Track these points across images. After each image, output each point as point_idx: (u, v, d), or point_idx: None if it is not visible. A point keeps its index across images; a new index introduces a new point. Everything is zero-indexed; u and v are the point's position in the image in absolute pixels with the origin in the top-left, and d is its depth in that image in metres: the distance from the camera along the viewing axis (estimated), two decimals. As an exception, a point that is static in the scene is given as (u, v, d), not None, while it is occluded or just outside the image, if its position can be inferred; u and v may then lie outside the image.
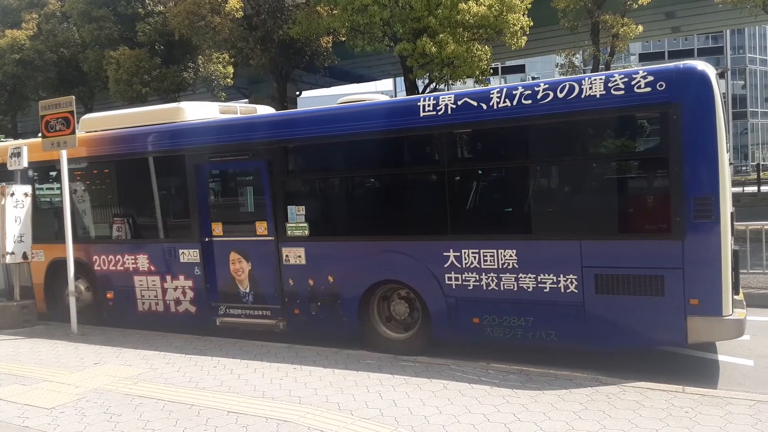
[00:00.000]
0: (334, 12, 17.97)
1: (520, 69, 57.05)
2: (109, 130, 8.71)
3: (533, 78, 43.53)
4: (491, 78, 21.80)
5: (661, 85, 5.49)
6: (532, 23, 16.92)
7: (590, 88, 5.77)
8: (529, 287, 6.12)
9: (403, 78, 21.61)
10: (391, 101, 7.50)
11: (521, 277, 6.14)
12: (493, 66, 23.38)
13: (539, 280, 6.06)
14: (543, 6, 18.05)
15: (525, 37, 17.10)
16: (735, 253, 5.69)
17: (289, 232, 7.33)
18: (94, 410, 5.27)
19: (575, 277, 5.90)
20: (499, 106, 6.17)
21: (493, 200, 6.88)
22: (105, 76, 23.42)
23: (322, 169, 7.68)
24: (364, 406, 5.07)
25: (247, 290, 7.81)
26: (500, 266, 6.22)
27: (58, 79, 25.68)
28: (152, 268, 8.32)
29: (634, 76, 5.62)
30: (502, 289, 6.23)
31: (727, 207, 5.41)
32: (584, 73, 27.50)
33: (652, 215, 5.89)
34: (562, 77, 6.24)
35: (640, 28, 18.73)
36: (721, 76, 6.14)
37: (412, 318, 6.95)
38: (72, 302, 8.30)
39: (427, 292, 6.63)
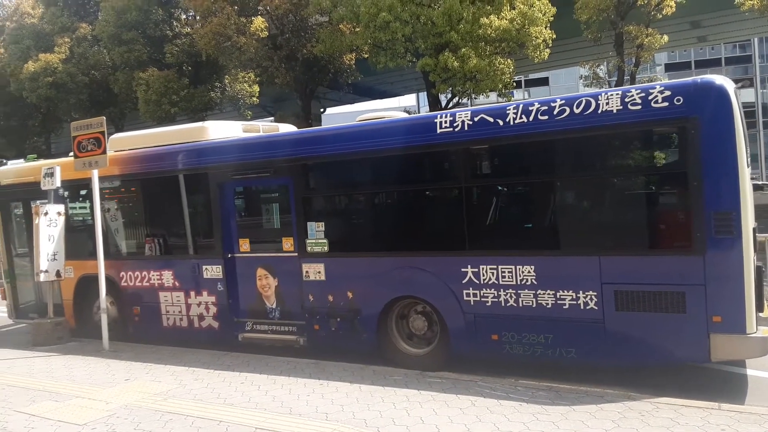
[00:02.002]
0: (357, 29, 18.17)
1: (544, 82, 56.78)
2: (135, 149, 8.93)
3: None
4: (514, 91, 21.74)
5: (678, 100, 5.45)
6: (554, 36, 16.87)
7: (607, 104, 5.77)
8: (548, 304, 6.07)
9: (426, 93, 21.69)
10: (407, 118, 7.52)
11: (540, 294, 6.10)
12: (517, 79, 23.32)
13: (558, 296, 6.02)
14: (565, 18, 17.99)
15: (548, 50, 17.04)
16: (758, 269, 5.58)
17: (309, 249, 7.41)
18: (124, 426, 5.33)
19: (594, 293, 5.85)
20: (516, 122, 6.20)
21: (510, 216, 6.86)
22: (135, 97, 23.97)
23: (340, 186, 7.74)
24: (391, 422, 5.04)
25: (274, 306, 7.90)
26: (518, 282, 6.19)
27: (89, 101, 26.35)
28: (177, 284, 8.47)
29: (651, 90, 5.60)
30: (520, 305, 6.19)
31: (748, 222, 5.33)
32: (609, 84, 27.31)
33: (672, 231, 5.80)
34: (579, 93, 6.35)
35: (666, 38, 18.53)
36: (741, 88, 5.97)
37: (431, 334, 6.94)
38: (103, 319, 8.44)
39: (446, 309, 6.63)
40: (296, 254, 7.51)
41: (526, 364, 6.39)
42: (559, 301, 6.02)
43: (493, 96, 19.53)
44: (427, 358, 6.86)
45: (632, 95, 5.66)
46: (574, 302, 5.94)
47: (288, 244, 7.63)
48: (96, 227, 8.46)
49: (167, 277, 8.53)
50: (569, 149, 6.21)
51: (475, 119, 6.40)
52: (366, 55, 19.98)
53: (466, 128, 6.44)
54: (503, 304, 6.28)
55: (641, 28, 18.19)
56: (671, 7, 17.84)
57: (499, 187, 6.85)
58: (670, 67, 58.68)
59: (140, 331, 8.89)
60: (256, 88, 23.57)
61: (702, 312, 5.42)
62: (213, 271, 8.14)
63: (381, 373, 6.52)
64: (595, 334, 5.87)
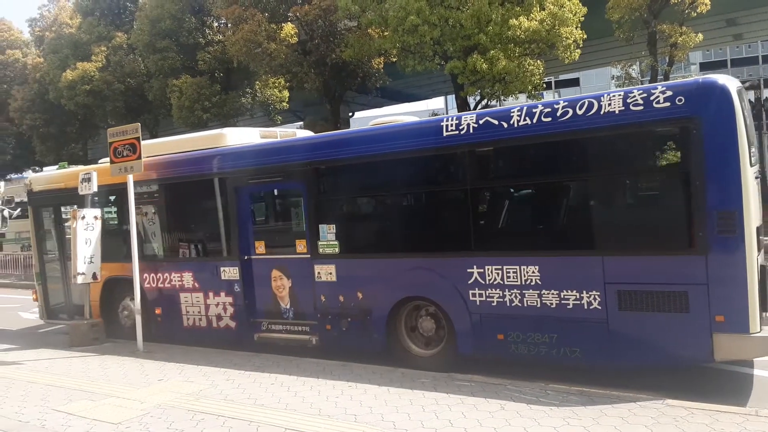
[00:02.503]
0: (385, 33, 18.22)
1: (575, 83, 56.07)
2: (157, 156, 9.22)
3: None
4: (544, 93, 21.52)
5: (680, 100, 5.48)
6: (585, 36, 16.63)
7: (609, 105, 5.82)
8: (552, 304, 6.11)
9: (454, 96, 21.63)
10: (415, 122, 7.62)
11: (544, 294, 6.15)
12: (546, 80, 23.09)
13: (562, 296, 6.06)
14: (596, 18, 17.73)
15: (578, 50, 16.81)
16: (763, 269, 5.53)
17: (320, 250, 7.58)
18: (157, 426, 5.44)
19: (598, 293, 5.88)
20: (520, 124, 6.28)
21: (515, 217, 6.88)
22: (168, 104, 24.46)
23: (350, 189, 7.93)
24: (420, 426, 5.03)
25: (288, 306, 8.10)
26: (523, 282, 6.26)
27: (125, 108, 26.97)
28: (196, 285, 8.74)
29: (653, 91, 5.64)
30: (525, 305, 6.25)
31: (751, 221, 5.31)
32: (642, 84, 26.80)
33: (675, 231, 5.77)
34: (582, 95, 6.38)
35: (700, 36, 18.10)
36: (750, 88, 5.92)
37: (438, 334, 7.01)
38: (138, 320, 8.63)
39: (452, 309, 6.72)
40: (309, 256, 7.70)
41: (554, 368, 6.32)
42: (563, 301, 6.06)
43: (522, 98, 19.36)
44: (435, 359, 6.95)
45: (634, 96, 5.70)
46: (578, 302, 5.98)
47: (301, 246, 7.83)
48: (131, 231, 8.67)
49: (187, 278, 8.81)
50: (572, 150, 6.28)
51: (480, 122, 6.51)
52: (394, 59, 20.03)
53: (471, 131, 6.55)
54: (508, 304, 6.35)
55: (675, 26, 17.80)
56: (706, 4, 17.42)
57: (504, 189, 6.96)
58: (705, 66, 57.28)
59: (162, 331, 9.16)
60: (286, 93, 23.83)
61: (705, 311, 5.42)
62: (230, 273, 8.39)
63: (409, 375, 6.52)
64: (599, 333, 5.90)
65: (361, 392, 6.02)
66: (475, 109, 20.91)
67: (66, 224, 10.61)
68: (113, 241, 9.56)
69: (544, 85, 19.38)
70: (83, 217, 8.97)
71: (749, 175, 5.36)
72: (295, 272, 7.94)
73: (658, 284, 5.62)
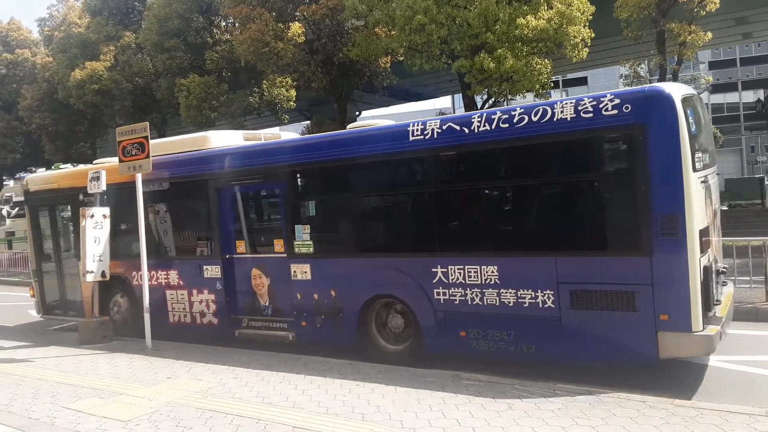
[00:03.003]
0: (393, 33, 18.22)
1: (583, 81, 55.80)
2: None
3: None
4: (552, 92, 21.45)
5: (627, 108, 5.72)
6: (593, 35, 16.58)
7: (561, 112, 6.08)
8: (509, 302, 6.41)
9: (461, 95, 21.61)
10: (383, 126, 7.76)
11: (503, 293, 6.45)
12: (554, 79, 23.01)
13: (519, 295, 6.35)
14: (604, 17, 17.65)
15: (586, 49, 16.76)
16: (706, 270, 5.71)
17: (296, 250, 7.92)
18: (166, 423, 5.47)
19: (552, 292, 6.16)
20: (480, 130, 6.54)
21: (475, 219, 7.09)
22: (176, 103, 24.56)
23: (323, 191, 8.21)
24: (428, 425, 5.03)
25: (267, 304, 8.45)
26: (483, 282, 6.55)
27: (133, 107, 27.10)
28: (181, 283, 9.10)
29: (602, 99, 5.88)
30: (485, 303, 6.54)
31: (694, 224, 5.54)
32: (650, 83, 26.68)
33: (622, 233, 5.99)
34: (538, 102, 6.82)
35: (709, 35, 17.99)
36: (703, 92, 6.14)
37: (406, 331, 7.30)
38: (147, 319, 8.66)
39: (418, 307, 7.02)
40: (285, 255, 8.02)
41: (561, 368, 6.32)
42: (519, 300, 6.35)
43: (530, 96, 19.30)
44: (403, 354, 7.24)
45: (584, 104, 5.97)
46: (534, 300, 6.26)
47: (278, 245, 8.16)
48: (140, 230, 8.71)
49: (173, 276, 9.12)
50: (528, 156, 6.50)
51: (444, 127, 6.79)
52: (401, 58, 20.04)
53: (435, 136, 6.83)
54: (470, 302, 6.63)
55: (684, 25, 17.70)
56: (715, 3, 17.32)
57: (465, 192, 7.14)
58: (714, 65, 56.92)
59: (150, 327, 9.10)
60: (293, 92, 23.86)
61: (650, 311, 5.66)
62: (213, 271, 8.74)
63: (416, 374, 6.52)
64: (553, 331, 6.19)
65: (368, 391, 6.02)
66: (482, 108, 20.89)
67: (61, 222, 11.12)
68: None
69: (552, 84, 19.31)
70: (92, 216, 9.02)
71: (692, 180, 5.58)
72: (273, 271, 8.25)
73: (607, 284, 5.88)
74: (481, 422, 5.02)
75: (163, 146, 9.64)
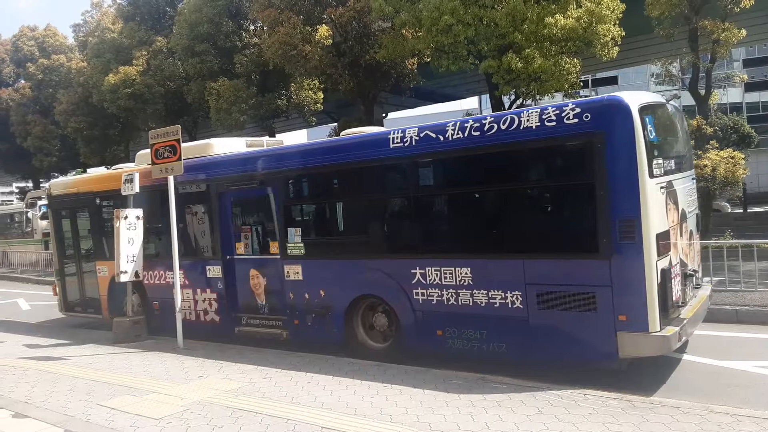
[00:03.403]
0: (419, 34, 18.18)
1: (613, 81, 54.85)
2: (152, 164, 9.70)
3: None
4: (581, 91, 21.17)
5: (587, 117, 5.98)
6: (623, 33, 16.30)
7: (527, 120, 6.36)
8: (482, 302, 6.71)
9: (488, 95, 21.46)
10: (367, 134, 8.11)
11: (475, 293, 6.75)
12: (583, 79, 22.72)
13: (490, 296, 6.66)
14: (635, 15, 17.34)
15: (617, 48, 16.48)
16: (664, 272, 5.91)
17: (289, 251, 8.33)
18: (197, 422, 5.56)
19: (520, 293, 6.45)
20: (453, 137, 6.84)
21: (450, 222, 7.46)
22: (207, 106, 24.89)
23: (312, 195, 8.68)
24: (456, 428, 5.01)
25: (264, 303, 8.88)
26: (458, 283, 6.86)
27: (165, 111, 27.57)
28: (186, 282, 9.49)
29: (564, 108, 6.14)
30: (460, 303, 6.85)
31: (650, 229, 5.75)
32: (682, 82, 26.16)
33: (584, 237, 6.24)
34: (508, 111, 6.94)
35: (743, 32, 17.51)
36: (671, 99, 7.00)
37: (390, 329, 7.63)
38: (178, 319, 8.83)
39: (399, 306, 7.37)
40: (279, 256, 8.43)
41: (590, 370, 6.23)
42: (491, 300, 6.65)
43: (558, 96, 19.08)
44: (386, 352, 7.57)
45: (548, 113, 6.23)
46: (504, 301, 6.57)
47: (274, 247, 8.57)
48: (172, 231, 8.88)
49: (179, 276, 9.33)
50: (497, 162, 6.81)
51: (421, 135, 7.10)
52: (428, 59, 19.97)
53: (413, 143, 7.15)
54: (446, 303, 6.95)
55: (717, 22, 17.29)
56: (750, -1, 16.87)
57: (441, 197, 7.51)
58: (748, 63, 55.37)
59: (159, 323, 9.91)
60: (321, 94, 24.00)
61: (610, 311, 5.90)
62: (214, 271, 9.25)
63: (443, 377, 6.50)
64: (522, 330, 6.46)
65: (396, 392, 6.03)
66: (509, 108, 20.71)
67: (80, 225, 11.74)
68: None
69: (581, 84, 19.05)
70: (126, 217, 9.21)
71: (649, 187, 5.79)
72: (268, 271, 8.66)
73: (570, 285, 6.14)
74: (510, 426, 4.98)
75: None
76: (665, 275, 5.93)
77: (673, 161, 6.67)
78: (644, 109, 6.03)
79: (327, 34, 20.72)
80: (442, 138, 6.95)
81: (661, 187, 6.14)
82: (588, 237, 6.14)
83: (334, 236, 8.49)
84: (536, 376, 6.26)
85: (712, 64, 19.29)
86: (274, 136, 27.88)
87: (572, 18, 15.63)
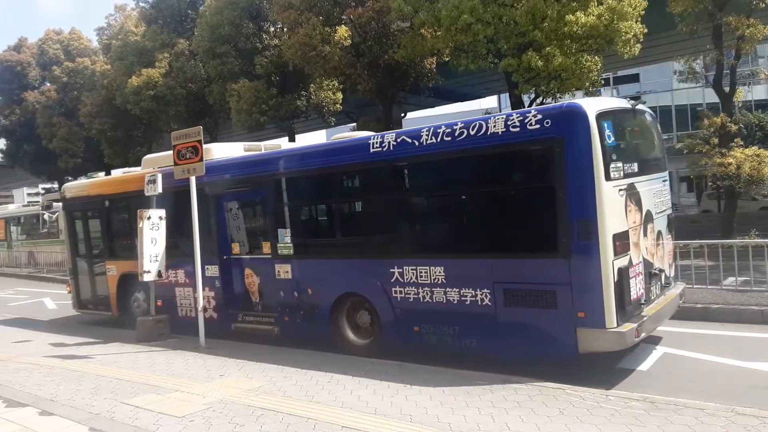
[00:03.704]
0: (438, 33, 18.14)
1: (635, 78, 54.06)
2: (160, 167, 10.40)
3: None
4: (602, 89, 20.94)
5: (547, 123, 6.27)
6: (646, 30, 16.08)
7: (494, 126, 6.67)
8: (454, 300, 7.03)
9: (508, 94, 21.33)
10: (349, 140, 8.48)
11: (448, 291, 7.07)
12: (605, 76, 22.45)
13: (462, 293, 6.97)
14: (658, 11, 17.09)
15: (639, 45, 16.26)
16: (621, 271, 6.14)
17: (279, 252, 8.73)
18: (219, 420, 5.62)
19: (488, 291, 6.77)
20: (427, 142, 7.15)
21: (425, 223, 7.84)
22: (228, 108, 25.12)
23: (300, 198, 9.03)
24: (477, 428, 5.00)
25: (258, 300, 9.29)
26: (432, 281, 7.18)
27: (187, 112, 27.85)
28: (187, 281, 10.00)
29: (527, 115, 6.47)
30: (434, 301, 7.18)
31: (606, 229, 6.00)
32: (706, 79, 25.73)
33: (546, 237, 6.49)
34: (477, 117, 7.07)
35: (770, 28, 17.19)
36: (636, 105, 7.31)
37: (371, 327, 7.95)
38: (200, 318, 8.92)
39: (380, 304, 7.70)
40: (271, 256, 8.81)
41: (613, 372, 6.15)
42: (462, 298, 6.97)
43: (579, 95, 18.89)
44: (369, 347, 7.91)
45: (513, 119, 6.54)
46: (474, 298, 6.89)
47: (266, 247, 8.96)
48: (194, 231, 9.00)
49: (180, 275, 10.01)
50: (467, 166, 7.11)
51: (398, 140, 7.40)
52: (447, 59, 19.92)
53: (391, 148, 7.45)
54: (421, 300, 7.26)
55: (742, 18, 16.96)
56: (776, -6, 16.52)
57: (417, 199, 7.88)
58: (776, 59, 54.25)
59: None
60: (340, 95, 24.08)
61: (570, 308, 6.17)
62: (212, 271, 9.65)
63: (464, 377, 6.49)
64: (490, 326, 6.79)
65: (416, 392, 6.03)
66: (530, 107, 20.56)
67: (91, 226, 12.34)
68: (127, 242, 11.15)
69: (602, 82, 18.83)
70: (149, 218, 9.34)
71: (605, 189, 6.05)
72: (262, 270, 9.03)
73: (533, 284, 6.46)
74: (531, 427, 4.95)
75: (165, 159, 10.57)
76: (622, 274, 6.17)
77: (636, 164, 6.88)
78: (602, 115, 6.28)
79: (346, 35, 20.77)
80: (417, 143, 7.24)
81: (620, 190, 6.37)
82: (549, 238, 6.39)
83: (320, 237, 8.93)
84: (559, 378, 6.22)
85: (737, 61, 18.94)
86: (294, 137, 28.09)
87: (593, 15, 15.47)
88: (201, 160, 8.92)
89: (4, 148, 42.77)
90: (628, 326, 6.13)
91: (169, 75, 27.16)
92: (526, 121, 6.42)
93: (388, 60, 21.06)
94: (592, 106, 6.29)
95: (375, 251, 7.87)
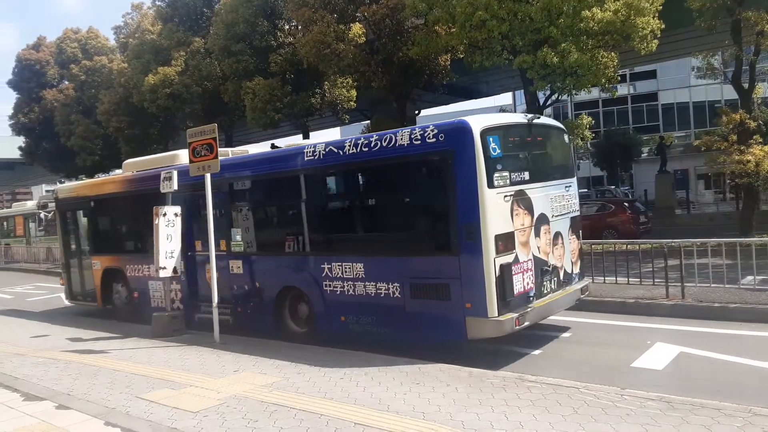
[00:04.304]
0: (452, 30, 18.08)
1: (652, 75, 53.45)
2: (137, 171, 11.78)
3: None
4: (619, 86, 20.73)
5: (441, 137, 7.16)
6: (663, 26, 15.89)
7: (401, 139, 7.50)
8: (372, 293, 7.85)
9: (523, 91, 21.19)
10: (286, 149, 9.64)
11: (367, 285, 7.90)
12: (621, 73, 22.20)
13: (377, 287, 7.80)
14: (675, 7, 16.86)
15: (656, 41, 16.07)
16: (503, 267, 6.95)
17: (232, 249, 9.69)
18: (233, 416, 5.65)
19: (399, 285, 7.59)
20: (349, 152, 7.99)
21: (348, 225, 8.72)
22: (243, 105, 25.23)
23: (247, 200, 9.96)
24: (490, 426, 4.98)
25: (216, 293, 9.63)
26: (355, 276, 8.00)
27: (203, 110, 28.01)
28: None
29: (427, 129, 7.31)
30: (356, 294, 7.99)
31: (488, 231, 6.82)
32: (725, 75, 25.37)
33: (442, 238, 7.38)
34: (390, 131, 7.91)
35: (790, 23, 16.88)
36: (533, 119, 8.00)
37: (309, 317, 8.76)
38: (215, 315, 8.99)
39: (313, 296, 8.57)
40: (226, 253, 9.68)
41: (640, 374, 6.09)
42: (378, 291, 7.79)
43: (595, 91, 18.73)
44: (306, 335, 8.74)
45: (416, 133, 7.39)
46: (387, 291, 7.71)
47: (223, 245, 9.75)
48: (209, 228, 9.07)
49: (152, 270, 10.44)
50: (380, 175, 8.12)
51: (327, 150, 8.24)
52: (461, 56, 19.86)
53: (321, 157, 8.29)
54: (347, 293, 8.06)
55: (761, 14, 16.70)
56: (798, -12, 16.24)
57: (341, 203, 8.88)
58: (797, 54, 53.27)
59: (138, 311, 11.28)
60: (354, 92, 24.08)
61: (460, 299, 7.04)
62: (179, 266, 10.03)
63: (477, 375, 6.47)
64: (400, 316, 7.60)
65: (428, 390, 6.02)
66: (544, 104, 20.39)
67: (80, 224, 13.44)
68: (108, 238, 12.66)
69: (619, 78, 18.64)
70: (164, 214, 9.42)
71: (488, 196, 6.87)
72: (219, 266, 9.59)
73: (433, 278, 7.30)
74: (545, 426, 4.92)
75: (146, 162, 12.05)
76: (504, 270, 6.96)
77: (527, 173, 7.65)
78: (487, 131, 7.08)
79: (360, 32, 20.77)
80: (341, 153, 8.07)
81: (506, 196, 7.16)
82: (444, 238, 7.30)
83: (265, 236, 9.70)
84: (573, 377, 6.18)
85: (756, 57, 18.66)
86: (308, 135, 28.12)
87: (610, 11, 15.32)
88: (216, 157, 8.96)
89: (24, 145, 43.32)
90: (509, 316, 6.94)
91: (185, 73, 27.33)
92: (426, 135, 7.27)
93: (402, 57, 21.02)
94: (479, 122, 7.10)
95: (310, 249, 8.69)
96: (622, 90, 48.03)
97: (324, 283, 8.33)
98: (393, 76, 21.93)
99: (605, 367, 7.06)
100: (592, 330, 8.88)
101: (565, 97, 18.96)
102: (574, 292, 8.42)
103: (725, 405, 5.15)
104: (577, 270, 8.68)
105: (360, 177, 8.42)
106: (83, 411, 6.11)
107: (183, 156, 10.76)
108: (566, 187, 8.55)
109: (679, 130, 49.80)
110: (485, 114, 7.28)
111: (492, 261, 6.83)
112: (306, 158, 8.47)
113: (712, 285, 9.58)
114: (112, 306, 12.36)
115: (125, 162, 12.95)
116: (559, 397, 5.60)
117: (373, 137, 7.81)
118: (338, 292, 8.17)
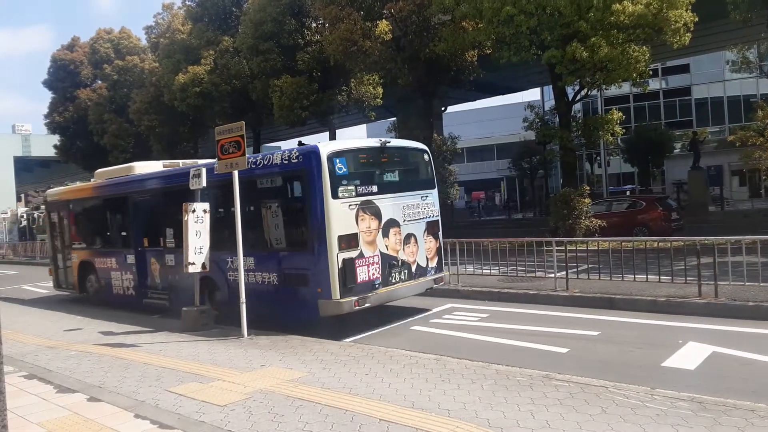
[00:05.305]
0: (480, 25, 17.95)
1: (685, 69, 52.18)
2: (106, 179, 14.23)
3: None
4: (651, 80, 20.29)
5: (301, 158, 9.13)
6: (696, 19, 15.51)
7: (275, 159, 9.60)
8: (258, 281, 9.77)
9: (551, 86, 20.91)
10: (177, 169, 12.31)
11: (256, 274, 9.83)
12: (653, 67, 21.71)
13: (262, 276, 9.75)
14: (710, -1, 16.48)
15: (689, 34, 15.71)
16: (345, 261, 8.79)
17: (167, 245, 11.61)
18: (260, 410, 5.70)
19: (276, 274, 9.54)
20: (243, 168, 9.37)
21: (242, 227, 9.47)
22: (270, 103, 25.48)
23: (159, 208, 12.08)
24: (515, 425, 4.93)
25: (158, 282, 12.25)
26: (248, 267, 9.72)
27: (231, 108, 28.38)
28: (116, 266, 13.40)
29: (293, 152, 9.30)
30: (249, 281, 9.61)
31: (332, 232, 8.71)
32: (760, 69, 24.63)
33: (304, 238, 9.28)
34: (267, 152, 10.23)
35: (832, 13, 16.33)
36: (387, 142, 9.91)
37: (220, 300, 10.54)
38: (243, 310, 9.06)
39: (220, 283, 10.54)
40: (163, 249, 11.78)
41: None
42: (263, 279, 9.72)
43: (626, 86, 18.37)
44: (218, 316, 10.19)
45: (285, 154, 9.43)
46: (269, 279, 9.65)
47: (162, 242, 11.76)
48: (236, 225, 9.16)
49: (113, 261, 13.39)
50: (262, 188, 10.18)
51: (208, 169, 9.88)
52: (488, 51, 19.69)
53: (213, 174, 9.76)
54: (244, 281, 9.20)
55: (802, 3, 16.17)
56: (840, -23, 15.67)
57: (233, 212, 9.55)
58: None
59: (102, 296, 13.94)
60: (380, 89, 24.10)
61: (315, 286, 8.92)
62: (131, 259, 12.80)
63: (503, 373, 6.41)
64: (277, 299, 9.55)
65: (454, 387, 5.99)
66: (573, 99, 20.08)
67: (65, 223, 15.54)
68: (82, 236, 15.03)
69: (650, 73, 18.25)
70: (194, 211, 9.53)
71: (332, 205, 8.75)
72: (160, 259, 11.92)
73: (298, 269, 9.26)
74: (572, 425, 4.85)
75: (112, 172, 14.48)
76: (347, 263, 8.80)
77: (376, 186, 9.45)
78: (335, 154, 8.93)
79: (387, 29, 20.76)
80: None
81: (350, 205, 8.99)
82: (305, 238, 9.22)
83: (178, 236, 10.91)
84: (601, 376, 6.08)
85: (795, 49, 18.06)
86: (334, 132, 28.18)
87: (641, 4, 15.02)
88: (243, 154, 9.05)
89: (59, 143, 44.40)
90: (349, 299, 8.79)
91: (214, 72, 27.68)
92: (291, 156, 9.25)
93: (428, 54, 20.95)
94: (327, 147, 8.98)
95: (218, 247, 10.05)
96: (654, 85, 46.99)
97: (228, 273, 10.29)
98: (419, 72, 21.89)
99: (635, 367, 6.93)
100: (621, 329, 8.73)
101: (594, 92, 18.66)
102: (426, 282, 10.30)
103: (759, 406, 5.00)
104: (433, 265, 10.46)
105: (246, 189, 9.59)
106: (113, 403, 6.23)
107: (137, 167, 13.50)
108: (422, 197, 10.37)
109: (713, 126, 48.53)
110: (340, 140, 9.12)
111: (335, 256, 8.70)
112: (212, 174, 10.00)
113: (747, 283, 9.32)
114: (86, 293, 14.63)
115: (96, 171, 15.31)
116: (587, 396, 5.52)
117: (257, 157, 9.92)
118: (235, 281, 9.58)
